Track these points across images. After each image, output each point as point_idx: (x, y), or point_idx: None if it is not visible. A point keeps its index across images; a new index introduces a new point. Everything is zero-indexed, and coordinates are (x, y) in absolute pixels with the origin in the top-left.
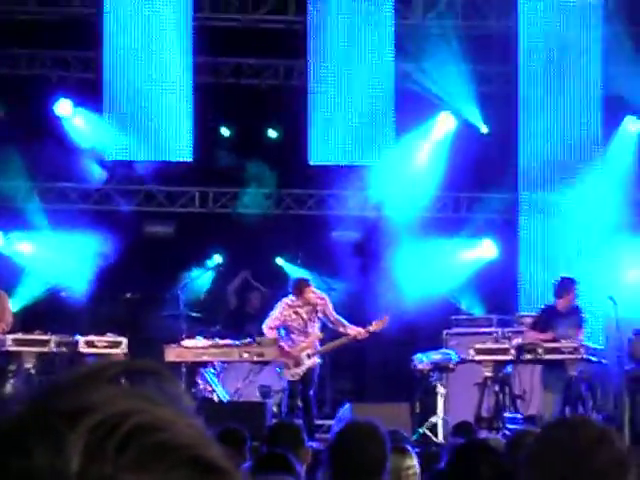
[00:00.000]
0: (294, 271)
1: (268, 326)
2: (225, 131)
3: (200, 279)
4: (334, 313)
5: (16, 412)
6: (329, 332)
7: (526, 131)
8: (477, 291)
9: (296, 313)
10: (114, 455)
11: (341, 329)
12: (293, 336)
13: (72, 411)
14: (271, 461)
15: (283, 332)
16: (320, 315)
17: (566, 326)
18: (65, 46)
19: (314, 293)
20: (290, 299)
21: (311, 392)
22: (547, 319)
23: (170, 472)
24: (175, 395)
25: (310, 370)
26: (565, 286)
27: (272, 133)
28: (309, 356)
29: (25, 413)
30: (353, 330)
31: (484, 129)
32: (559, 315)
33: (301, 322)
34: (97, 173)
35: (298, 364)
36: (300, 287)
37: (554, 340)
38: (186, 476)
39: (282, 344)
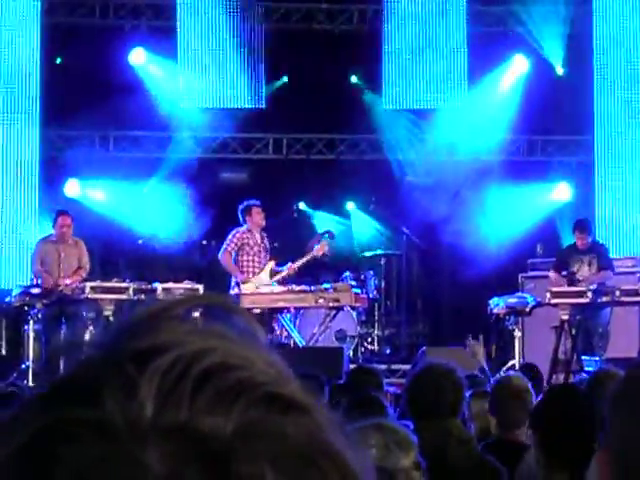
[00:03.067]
0: (363, 218)
1: (224, 249)
2: (297, 77)
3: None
4: None
5: (85, 357)
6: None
7: (601, 72)
8: (553, 234)
9: (251, 234)
10: (189, 398)
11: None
12: (248, 257)
13: (143, 353)
14: (362, 404)
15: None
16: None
17: (582, 263)
18: None
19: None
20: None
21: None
22: (564, 258)
23: (247, 412)
24: (250, 331)
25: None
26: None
27: (353, 79)
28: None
29: (94, 358)
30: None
31: (559, 70)
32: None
33: (257, 242)
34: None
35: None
36: (248, 210)
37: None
38: (264, 414)
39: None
